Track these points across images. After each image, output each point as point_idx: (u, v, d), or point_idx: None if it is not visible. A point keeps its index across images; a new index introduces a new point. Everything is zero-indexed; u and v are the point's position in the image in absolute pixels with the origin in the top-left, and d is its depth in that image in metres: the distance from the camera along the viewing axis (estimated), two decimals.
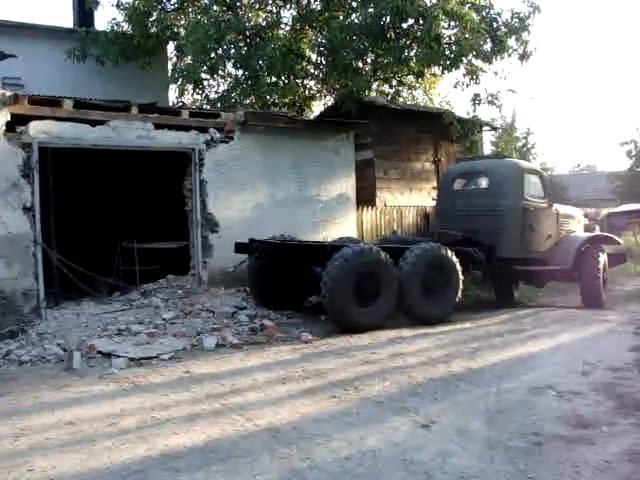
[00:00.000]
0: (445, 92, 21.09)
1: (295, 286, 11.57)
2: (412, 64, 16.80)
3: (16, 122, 9.91)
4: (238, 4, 17.24)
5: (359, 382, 7.16)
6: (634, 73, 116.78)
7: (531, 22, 16.03)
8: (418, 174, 17.96)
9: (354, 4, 17.06)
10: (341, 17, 16.82)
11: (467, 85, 16.68)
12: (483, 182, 13.66)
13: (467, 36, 15.09)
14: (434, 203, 15.49)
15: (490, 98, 16.87)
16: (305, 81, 18.67)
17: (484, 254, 12.38)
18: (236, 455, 5.08)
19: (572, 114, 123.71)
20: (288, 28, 18.46)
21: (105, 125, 10.82)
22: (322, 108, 20.13)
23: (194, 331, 9.77)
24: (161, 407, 6.36)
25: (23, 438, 5.56)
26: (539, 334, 10.03)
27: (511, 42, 16.15)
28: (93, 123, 10.72)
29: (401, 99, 19.20)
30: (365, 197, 15.78)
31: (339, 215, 13.90)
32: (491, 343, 9.42)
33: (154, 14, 18.25)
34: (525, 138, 44.64)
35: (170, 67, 19.73)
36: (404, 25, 15.70)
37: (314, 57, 17.70)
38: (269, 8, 18.45)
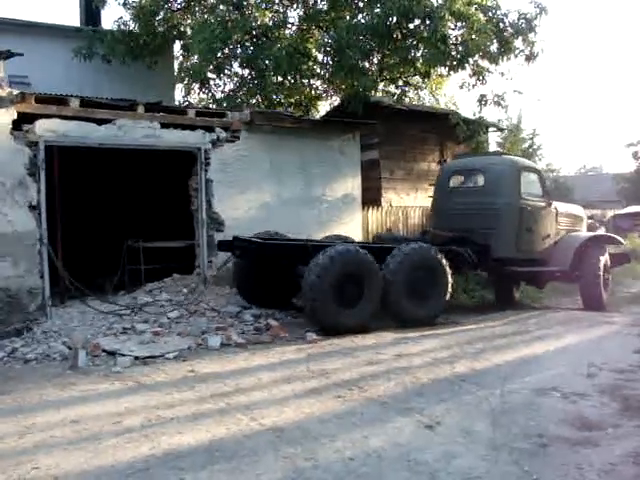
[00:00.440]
0: (451, 93, 21.11)
1: (281, 284, 11.40)
2: (418, 64, 16.80)
3: (23, 120, 9.92)
4: (245, 3, 17.20)
5: (364, 382, 7.15)
6: None
7: (538, 23, 15.99)
8: (424, 174, 17.95)
9: (360, 4, 17.03)
10: (347, 17, 16.80)
11: (473, 86, 16.67)
12: (479, 180, 13.38)
13: (474, 37, 15.07)
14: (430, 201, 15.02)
15: (496, 99, 16.84)
16: (311, 81, 18.67)
17: (478, 254, 12.17)
18: (240, 454, 5.08)
19: (578, 115, 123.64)
20: (294, 28, 18.47)
21: (111, 124, 10.83)
22: (328, 108, 20.15)
23: (199, 330, 9.78)
24: (166, 406, 6.36)
25: (28, 436, 5.57)
26: (544, 335, 10.00)
27: (518, 43, 16.12)
28: (99, 122, 10.73)
29: (407, 99, 19.18)
30: (371, 197, 15.79)
31: (345, 215, 13.89)
32: (496, 344, 9.40)
33: (161, 13, 18.24)
34: (531, 139, 44.59)
35: (176, 66, 19.77)
36: (410, 25, 15.68)
37: (320, 57, 17.67)
38: (276, 8, 18.42)
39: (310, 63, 17.55)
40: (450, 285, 11.34)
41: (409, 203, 17.06)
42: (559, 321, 11.49)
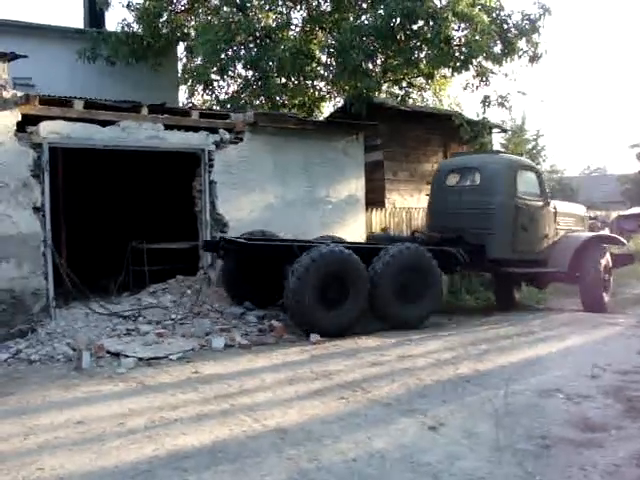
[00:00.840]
0: (455, 94, 21.03)
1: (268, 284, 11.22)
2: (422, 66, 16.79)
3: (27, 122, 9.94)
4: (248, 5, 17.25)
5: (367, 384, 7.16)
6: None
7: (541, 24, 15.95)
8: (427, 176, 17.84)
9: (364, 5, 17.06)
10: (351, 18, 16.82)
11: (477, 87, 16.63)
12: (475, 178, 13.14)
13: (477, 38, 15.04)
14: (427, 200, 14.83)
15: (500, 100, 16.83)
16: (315, 82, 18.68)
17: (473, 254, 11.97)
18: (244, 455, 5.09)
19: (582, 116, 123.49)
20: (298, 29, 18.49)
21: (115, 125, 10.84)
22: (332, 109, 20.17)
23: (203, 331, 9.79)
24: (169, 407, 6.38)
25: (32, 437, 5.59)
26: (548, 337, 9.99)
27: (521, 44, 16.07)
28: (103, 123, 10.74)
29: (411, 101, 19.18)
30: (374, 198, 15.77)
31: (348, 216, 13.88)
32: (499, 345, 9.41)
33: (164, 15, 18.26)
34: (535, 140, 44.58)
35: (180, 68, 19.80)
36: (414, 27, 15.66)
37: (324, 58, 17.70)
38: (279, 9, 18.44)
39: (314, 64, 17.57)
40: (441, 287, 11.25)
41: (413, 204, 17.03)
42: (563, 322, 11.46)
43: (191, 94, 19.13)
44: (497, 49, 15.84)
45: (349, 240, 12.43)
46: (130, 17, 18.64)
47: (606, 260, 13.26)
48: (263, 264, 11.04)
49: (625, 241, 15.70)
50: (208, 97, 19.50)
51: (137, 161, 12.97)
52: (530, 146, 42.55)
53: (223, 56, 16.79)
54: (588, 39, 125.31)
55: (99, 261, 13.54)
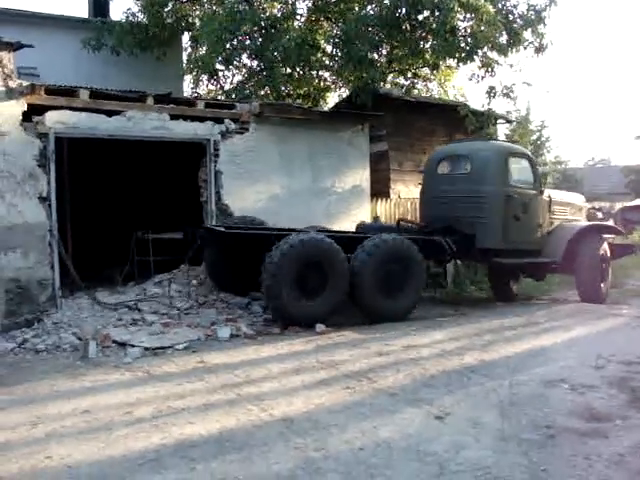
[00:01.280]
0: (460, 84, 21.01)
1: (252, 273, 10.65)
2: (427, 56, 16.79)
3: (33, 112, 9.95)
4: None
5: (373, 373, 7.18)
6: None
7: (547, 14, 15.95)
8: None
9: None
10: (356, 8, 16.79)
11: (482, 77, 16.60)
12: (466, 166, 12.75)
13: (483, 28, 15.02)
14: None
15: (505, 91, 16.80)
16: (320, 72, 18.66)
17: (463, 244, 11.78)
18: (251, 444, 5.12)
19: (587, 107, 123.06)
20: (303, 19, 18.47)
21: (121, 115, 10.85)
22: (337, 99, 20.14)
23: (208, 321, 9.83)
24: (176, 396, 6.41)
25: (40, 426, 5.63)
26: (552, 327, 9.98)
27: (527, 35, 16.06)
28: (109, 113, 10.74)
29: (416, 91, 19.16)
30: (379, 189, 15.77)
31: (353, 206, 13.87)
32: (504, 336, 9.40)
33: (169, 4, 18.27)
34: (540, 131, 44.44)
35: (185, 58, 19.79)
36: (419, 17, 15.65)
37: (329, 48, 17.68)
38: None
39: (319, 55, 17.55)
40: (425, 278, 11.12)
41: (417, 195, 17.02)
42: (567, 313, 11.45)
43: (196, 84, 19.10)
44: (502, 40, 15.81)
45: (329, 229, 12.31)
46: (135, 7, 18.71)
47: (603, 250, 12.98)
48: (245, 253, 10.82)
49: (623, 230, 15.52)
50: (213, 87, 19.55)
51: (143, 151, 12.98)
52: (535, 137, 42.41)
53: (228, 46, 16.77)
54: (594, 29, 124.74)
55: (104, 251, 13.57)
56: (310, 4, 18.56)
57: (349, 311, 10.49)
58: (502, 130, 28.44)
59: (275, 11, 17.81)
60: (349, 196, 13.80)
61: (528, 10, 15.94)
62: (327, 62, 17.97)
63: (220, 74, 18.65)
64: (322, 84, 19.40)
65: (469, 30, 15.57)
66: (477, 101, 63.09)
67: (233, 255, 11.04)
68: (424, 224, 12.76)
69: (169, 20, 18.20)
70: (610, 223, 15.80)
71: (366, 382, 6.87)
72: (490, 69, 16.33)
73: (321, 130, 13.38)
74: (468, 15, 15.47)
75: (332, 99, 20.75)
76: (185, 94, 18.89)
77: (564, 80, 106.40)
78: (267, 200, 12.52)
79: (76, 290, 10.73)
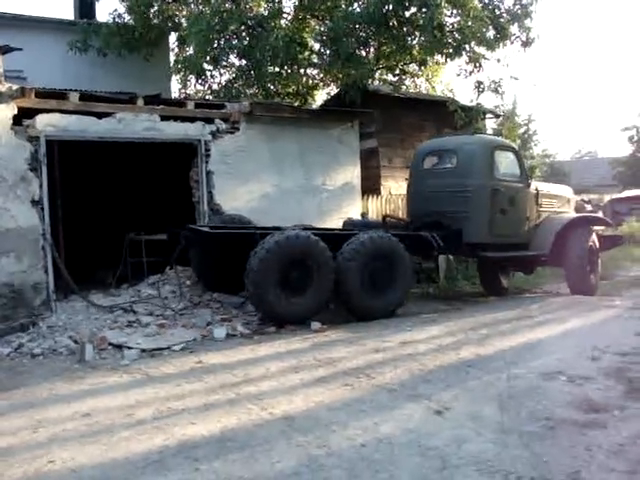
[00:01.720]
0: (448, 80, 21.05)
1: (237, 272, 10.53)
2: (415, 52, 16.81)
3: (23, 115, 9.94)
4: None
5: (371, 370, 7.19)
6: (635, 59, 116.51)
7: (533, 9, 16.04)
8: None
9: None
10: (343, 6, 16.79)
11: (470, 72, 16.64)
12: (452, 160, 12.76)
13: (470, 24, 15.05)
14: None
15: (493, 86, 16.86)
16: (308, 70, 18.66)
17: (450, 239, 11.74)
18: (253, 443, 5.13)
19: (573, 100, 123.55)
20: (290, 17, 18.46)
21: (111, 117, 10.85)
22: (325, 97, 20.17)
23: (204, 322, 9.83)
24: (176, 397, 6.41)
25: (41, 430, 5.62)
26: (547, 320, 10.03)
27: (514, 29, 16.14)
28: (99, 115, 10.74)
29: (404, 87, 19.18)
30: (370, 186, 15.82)
31: (345, 204, 13.91)
32: (499, 330, 9.44)
33: (155, 5, 18.22)
34: (526, 125, 44.65)
35: (172, 58, 19.75)
36: (407, 13, 15.68)
37: (317, 46, 17.69)
38: None
39: (307, 53, 17.56)
40: (412, 275, 11.11)
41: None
42: (561, 306, 11.50)
43: (184, 84, 19.10)
44: (490, 35, 15.85)
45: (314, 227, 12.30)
46: (121, 8, 18.64)
47: (592, 241, 13.00)
48: (231, 252, 10.77)
49: (610, 221, 15.57)
50: (201, 87, 19.47)
51: (134, 153, 12.96)
52: (522, 131, 42.58)
53: (215, 46, 16.78)
54: (580, 22, 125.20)
55: (97, 253, 13.55)
56: (296, 2, 18.55)
57: (340, 308, 10.56)
58: (490, 125, 28.54)
59: (262, 10, 17.79)
60: (340, 193, 13.84)
61: (514, 4, 16.02)
62: (315, 60, 17.97)
63: (208, 74, 18.58)
64: (310, 82, 19.39)
65: (456, 26, 15.59)
66: (465, 96, 63.18)
67: (219, 255, 10.99)
68: (410, 220, 12.75)
69: (156, 21, 18.16)
70: (599, 215, 15.85)
71: (365, 379, 6.89)
72: (478, 64, 16.36)
73: (311, 128, 13.42)
74: (455, 11, 15.52)
75: (320, 97, 20.78)
76: (173, 95, 18.93)
77: (551, 73, 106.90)
78: (259, 199, 12.55)
79: (70, 293, 10.70)
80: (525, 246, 12.66)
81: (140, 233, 12.89)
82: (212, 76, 18.87)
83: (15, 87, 9.92)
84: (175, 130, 11.53)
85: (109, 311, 10.14)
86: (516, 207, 12.37)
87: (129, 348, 8.44)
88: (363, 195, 14.78)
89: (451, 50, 15.54)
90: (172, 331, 9.34)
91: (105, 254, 13.39)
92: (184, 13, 18.90)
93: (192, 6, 18.80)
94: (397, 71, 18.52)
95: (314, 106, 18.66)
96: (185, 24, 17.87)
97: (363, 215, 14.75)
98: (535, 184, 13.19)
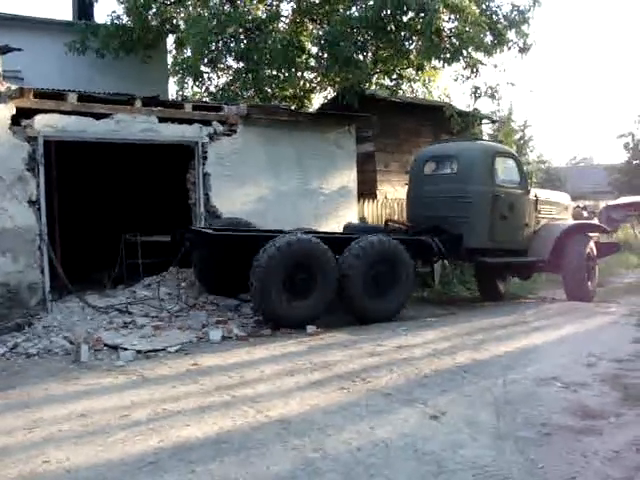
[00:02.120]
0: (445, 85, 21.07)
1: (239, 275, 10.62)
2: (412, 57, 16.81)
3: (21, 116, 9.93)
4: None
5: (366, 374, 7.20)
6: (630, 66, 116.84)
7: (531, 15, 16.03)
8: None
9: None
10: (341, 10, 16.82)
11: (467, 78, 16.64)
12: (452, 166, 12.81)
13: (467, 29, 15.04)
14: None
15: (490, 91, 16.87)
16: (305, 74, 18.67)
17: (450, 244, 11.80)
18: (249, 446, 5.13)
19: (569, 106, 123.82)
20: (287, 21, 18.47)
21: (109, 118, 10.83)
22: (322, 101, 20.17)
23: (199, 324, 9.83)
24: (171, 399, 6.40)
25: (36, 430, 5.60)
26: (542, 326, 10.07)
27: (511, 35, 16.11)
28: (97, 116, 10.73)
29: (401, 92, 19.20)
30: (366, 190, 15.82)
31: (341, 207, 13.91)
32: (495, 335, 9.46)
33: (154, 7, 18.17)
34: (522, 131, 44.68)
35: (170, 60, 19.74)
36: (404, 18, 15.66)
37: (314, 50, 17.69)
38: (269, 1, 18.44)
39: (304, 56, 17.56)
40: (413, 279, 11.14)
41: (404, 195, 17.05)
42: (556, 312, 11.54)
43: (181, 86, 19.08)
44: (487, 40, 15.83)
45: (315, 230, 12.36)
46: (119, 9, 18.57)
47: (590, 248, 13.08)
48: (233, 255, 10.83)
49: (608, 229, 15.63)
50: (198, 89, 19.50)
51: (131, 154, 12.95)
52: (518, 136, 42.62)
53: (213, 48, 16.77)
54: (577, 30, 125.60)
55: (93, 254, 13.53)
56: (295, 6, 18.57)
57: (338, 311, 10.53)
58: (486, 130, 28.62)
59: (260, 13, 17.80)
60: (336, 197, 13.84)
61: (512, 11, 15.99)
62: (313, 63, 17.98)
63: (205, 76, 18.60)
64: (308, 85, 19.40)
65: (454, 31, 15.58)
66: (462, 101, 63.20)
67: (221, 257, 11.01)
68: (411, 225, 12.75)
69: (154, 22, 18.10)
70: (595, 221, 15.92)
71: (360, 383, 6.89)
72: (475, 70, 16.36)
73: (308, 132, 13.42)
74: (453, 16, 15.47)
75: (318, 100, 20.79)
76: (170, 96, 18.86)
77: (547, 80, 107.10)
78: (255, 202, 12.54)
79: (65, 294, 10.69)
80: (524, 252, 12.72)
81: (136, 234, 12.87)
82: (209, 78, 18.94)
83: (14, 87, 9.91)
84: (172, 132, 11.53)
85: (105, 312, 10.13)
86: (516, 213, 12.45)
87: (125, 349, 8.43)
88: (359, 199, 14.79)
89: (448, 55, 15.51)
90: (168, 333, 9.33)
91: (101, 255, 13.36)
92: (182, 15, 18.87)
93: (190, 8, 18.78)
94: (394, 75, 18.50)
95: (311, 110, 18.66)
96: (183, 26, 17.87)
97: (362, 220, 14.79)
98: (534, 191, 13.27)
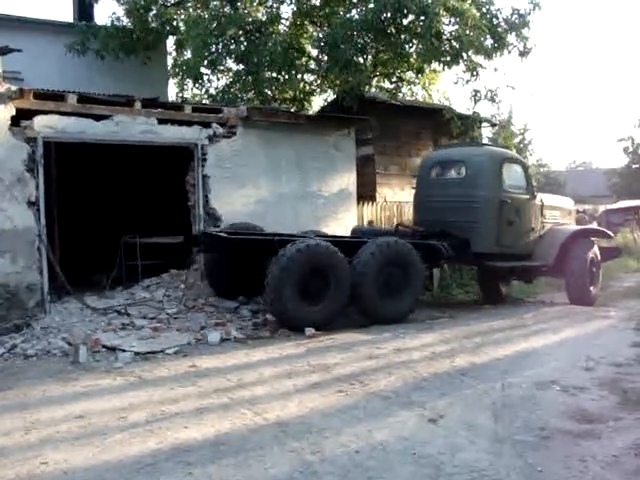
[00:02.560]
0: (444, 88, 21.09)
1: (252, 277, 10.84)
2: (412, 60, 16.82)
3: (21, 117, 9.92)
4: None
5: (365, 377, 7.20)
6: (630, 70, 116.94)
7: (531, 19, 16.06)
8: (418, 170, 17.93)
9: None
10: (341, 12, 16.83)
11: (467, 81, 16.68)
12: (460, 171, 12.99)
13: (468, 32, 15.07)
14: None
15: (490, 94, 16.91)
16: (305, 76, 18.67)
17: (458, 248, 11.88)
18: (247, 448, 5.12)
19: (568, 110, 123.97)
20: (288, 23, 18.47)
21: (109, 120, 10.82)
22: (322, 103, 20.17)
23: (198, 326, 9.82)
24: (169, 401, 6.39)
25: (34, 431, 5.59)
26: (541, 330, 10.06)
27: (511, 38, 16.15)
28: (97, 118, 10.72)
29: (400, 95, 19.20)
30: (366, 192, 15.81)
31: (340, 210, 13.90)
32: (494, 338, 9.46)
33: (154, 8, 18.19)
34: (522, 134, 44.72)
35: (170, 62, 19.74)
36: (405, 21, 15.67)
37: (315, 52, 17.69)
38: (269, 3, 18.44)
39: (304, 59, 17.57)
40: (423, 282, 11.26)
41: (403, 198, 17.06)
42: (555, 315, 11.54)
43: (181, 88, 19.10)
44: (487, 43, 15.86)
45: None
46: (120, 11, 18.61)
47: (593, 253, 13.20)
48: (245, 258, 10.91)
49: (612, 234, 15.71)
50: (198, 91, 19.49)
51: (130, 155, 12.95)
52: (517, 140, 42.66)
53: (213, 50, 16.76)
54: (576, 33, 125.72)
55: (92, 256, 13.52)
56: (295, 8, 18.58)
57: (348, 313, 10.58)
58: (486, 133, 28.62)
59: (260, 15, 17.80)
60: (336, 200, 13.83)
61: (512, 14, 16.02)
62: (313, 66, 17.98)
63: (205, 78, 18.59)
64: (307, 88, 19.40)
65: (454, 34, 15.59)
66: (461, 104, 63.18)
67: (232, 261, 11.08)
68: (422, 229, 12.79)
69: (154, 24, 18.10)
70: (594, 225, 15.99)
71: (358, 385, 6.88)
72: (475, 73, 16.39)
73: (308, 134, 13.42)
74: (453, 19, 15.49)
75: (317, 103, 20.79)
76: (170, 98, 18.87)
77: (547, 83, 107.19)
78: (254, 204, 12.52)
79: (64, 295, 10.68)
80: (529, 256, 12.86)
81: (135, 236, 12.86)
82: (209, 80, 18.92)
83: (14, 88, 9.90)
84: (172, 134, 11.52)
85: (103, 313, 10.13)
86: (522, 218, 12.64)
87: (123, 351, 8.41)
88: (359, 202, 14.78)
89: (448, 58, 15.56)
90: (166, 334, 9.32)
91: (100, 256, 13.35)
92: (182, 17, 18.88)
93: (190, 10, 18.81)
94: (394, 78, 18.55)
95: (311, 112, 18.65)
96: (183, 28, 17.86)
97: (370, 223, 14.83)
98: (540, 196, 13.38)
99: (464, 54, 15.63)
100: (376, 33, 15.57)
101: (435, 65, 16.83)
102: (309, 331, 9.62)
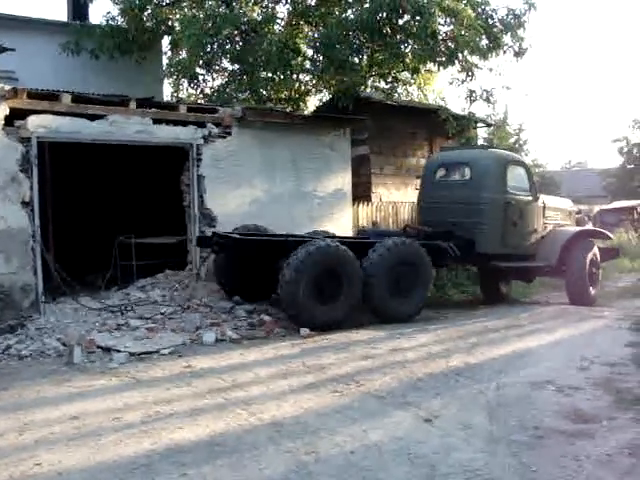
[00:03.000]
0: (440, 88, 21.07)
1: (263, 278, 11.06)
2: (408, 60, 16.79)
3: (15, 116, 9.89)
4: None
5: (360, 377, 7.20)
6: (625, 70, 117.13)
7: (527, 19, 16.05)
8: (413, 170, 17.96)
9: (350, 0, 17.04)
10: (337, 12, 16.80)
11: (463, 81, 16.66)
12: (465, 173, 13.22)
13: (463, 32, 15.07)
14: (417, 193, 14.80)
15: (485, 95, 16.91)
16: (301, 76, 18.63)
17: (463, 249, 12.00)
18: (242, 449, 5.12)
19: (563, 110, 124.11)
20: (283, 23, 18.44)
21: (104, 119, 10.80)
22: (317, 103, 20.14)
23: (193, 326, 9.78)
24: (164, 401, 6.38)
25: (28, 432, 5.58)
26: (536, 330, 10.09)
27: (506, 39, 16.14)
28: (91, 117, 10.69)
29: (396, 95, 19.18)
30: (361, 192, 15.81)
31: (335, 210, 13.90)
32: (489, 338, 9.48)
33: (149, 8, 18.13)
34: (517, 134, 44.71)
35: (165, 61, 19.67)
36: (400, 21, 15.66)
37: (310, 52, 17.66)
38: (264, 3, 18.41)
39: (300, 58, 17.52)
40: (431, 281, 11.38)
41: (399, 198, 17.10)
42: (550, 315, 11.57)
43: (176, 88, 19.01)
44: (483, 44, 15.86)
45: (337, 234, 12.46)
46: (114, 10, 18.52)
47: (593, 254, 13.35)
48: (255, 258, 10.97)
49: (611, 235, 15.79)
50: (193, 91, 19.40)
51: (125, 155, 12.92)
52: (512, 140, 42.64)
53: (208, 50, 16.70)
54: (571, 34, 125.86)
55: (87, 256, 13.48)
56: (290, 8, 18.54)
57: (356, 312, 10.59)
58: (481, 133, 28.62)
59: (255, 15, 17.76)
60: (331, 200, 13.82)
61: (508, 14, 16.01)
62: (308, 66, 17.94)
63: (200, 78, 18.52)
64: (303, 88, 19.36)
65: (450, 34, 15.60)
66: (457, 105, 63.19)
67: (242, 261, 11.11)
68: (429, 230, 12.87)
69: (149, 23, 18.03)
70: (590, 226, 16.09)
71: (353, 385, 6.89)
72: (470, 73, 16.38)
73: (303, 134, 13.41)
74: (449, 19, 15.49)
75: (312, 103, 20.74)
76: (165, 98, 18.80)
77: (542, 84, 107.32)
78: (249, 204, 12.52)
79: (58, 295, 10.65)
80: (532, 257, 13.06)
81: (130, 236, 12.83)
82: (204, 80, 18.80)
83: (7, 87, 9.87)
84: (167, 133, 11.50)
85: (98, 314, 10.10)
86: (525, 220, 12.87)
87: (118, 351, 8.38)
88: (354, 202, 14.78)
89: (444, 58, 15.56)
90: (161, 335, 9.29)
91: (95, 257, 13.31)
92: (177, 16, 18.81)
93: (186, 10, 18.75)
94: (390, 78, 18.49)
95: (306, 112, 18.62)
96: (178, 27, 17.81)
97: (374, 224, 14.84)
98: (542, 198, 13.53)
99: (459, 54, 15.62)
100: (371, 33, 15.54)
101: (430, 65, 16.80)
102: (304, 331, 9.63)
